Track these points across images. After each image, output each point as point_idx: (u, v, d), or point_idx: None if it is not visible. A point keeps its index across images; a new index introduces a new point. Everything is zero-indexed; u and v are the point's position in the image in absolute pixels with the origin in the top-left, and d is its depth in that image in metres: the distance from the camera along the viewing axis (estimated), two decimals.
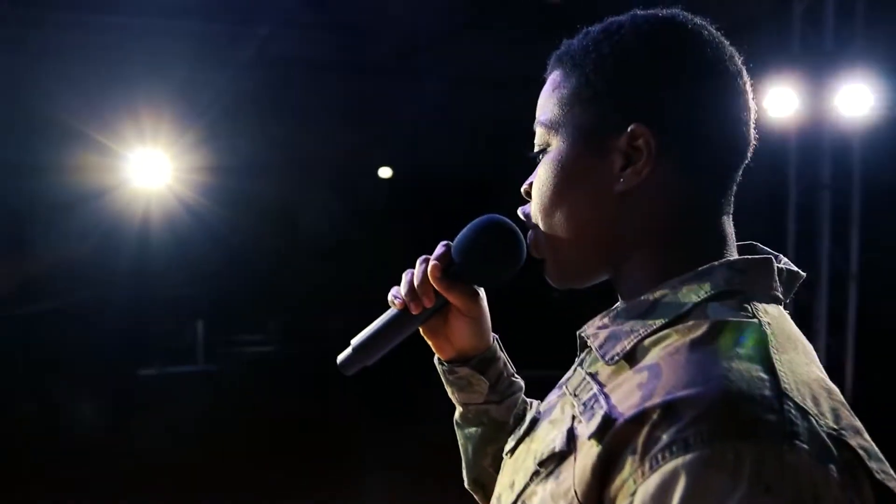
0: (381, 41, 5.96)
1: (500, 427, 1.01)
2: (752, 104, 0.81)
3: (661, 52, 0.79)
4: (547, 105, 0.84)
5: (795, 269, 0.81)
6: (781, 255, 0.82)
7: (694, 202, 0.78)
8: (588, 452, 0.69)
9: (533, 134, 0.87)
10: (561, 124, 0.82)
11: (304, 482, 4.84)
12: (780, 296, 0.78)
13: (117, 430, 5.91)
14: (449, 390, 1.06)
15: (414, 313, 0.97)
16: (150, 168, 6.74)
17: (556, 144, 0.83)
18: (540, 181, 0.84)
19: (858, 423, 0.68)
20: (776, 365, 0.68)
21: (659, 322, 0.75)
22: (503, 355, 1.07)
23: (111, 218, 6.90)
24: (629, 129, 0.77)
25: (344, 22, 5.71)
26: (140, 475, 4.95)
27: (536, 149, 0.86)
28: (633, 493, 0.64)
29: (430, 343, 1.04)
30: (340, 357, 0.98)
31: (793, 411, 0.64)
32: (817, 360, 0.75)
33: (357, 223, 8.24)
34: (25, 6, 5.62)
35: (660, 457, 0.63)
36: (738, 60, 0.81)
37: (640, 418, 0.66)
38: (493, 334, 1.05)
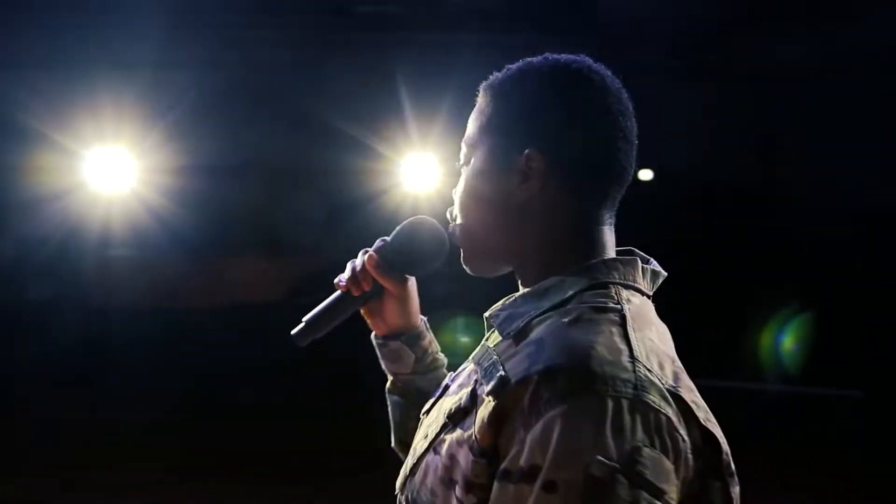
0: (643, 42, 5.90)
1: (425, 396, 1.15)
2: (632, 139, 1.00)
3: (556, 93, 0.97)
4: (471, 127, 1.04)
5: (659, 269, 1.01)
6: (652, 259, 1.02)
7: (578, 214, 0.97)
8: (486, 406, 0.88)
9: None
10: (479, 144, 1.02)
11: None
12: (644, 289, 0.97)
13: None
14: (382, 363, 1.28)
15: (355, 295, 1.18)
16: (419, 172, 7.10)
17: (474, 160, 1.02)
18: (460, 189, 1.04)
19: (692, 385, 0.89)
20: (631, 338, 0.87)
21: (546, 306, 0.93)
22: (430, 335, 1.28)
23: (384, 219, 7.39)
24: (525, 153, 0.96)
25: (604, 24, 5.72)
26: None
27: (461, 162, 1.05)
28: (524, 440, 0.82)
29: (368, 321, 1.25)
30: (294, 330, 1.18)
31: (642, 371, 0.84)
32: (669, 341, 0.95)
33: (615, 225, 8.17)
34: (313, 28, 6.18)
35: (542, 409, 0.82)
36: (624, 100, 1.00)
37: (526, 381, 0.85)
38: (421, 317, 1.26)
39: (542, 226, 0.98)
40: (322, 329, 1.18)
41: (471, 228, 1.04)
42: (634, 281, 0.96)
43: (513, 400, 0.85)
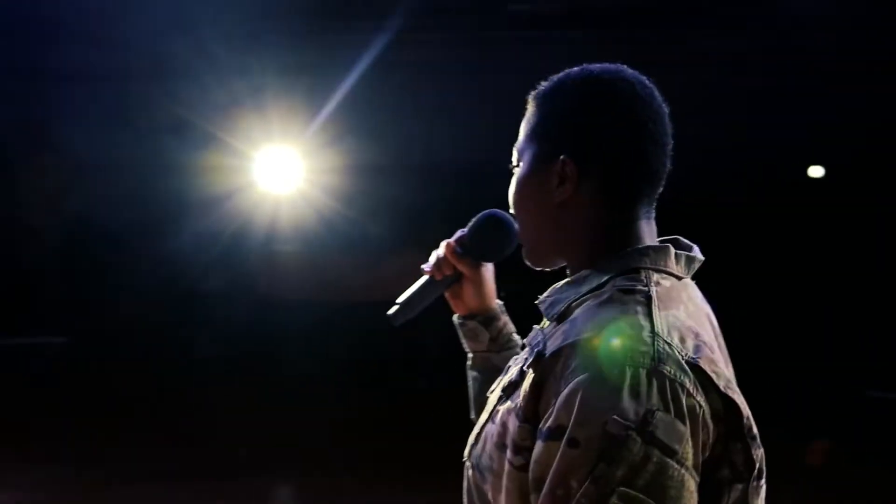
0: (815, 39, 5.60)
1: (499, 372, 1.25)
2: (662, 140, 1.08)
3: (585, 103, 1.08)
4: (521, 133, 1.15)
5: (695, 255, 1.09)
6: (694, 246, 1.11)
7: (612, 211, 1.07)
8: (528, 378, 0.99)
9: None
10: (525, 150, 1.13)
11: None
12: (676, 272, 1.06)
13: None
14: (463, 341, 1.42)
15: (438, 279, 1.33)
16: None
17: (521, 165, 1.13)
18: (512, 190, 1.15)
19: (716, 357, 0.99)
20: (654, 316, 0.96)
21: (584, 290, 1.04)
22: (505, 318, 1.41)
23: None
24: (560, 159, 1.06)
25: (774, 16, 5.47)
26: None
27: (513, 164, 1.15)
28: (554, 404, 0.93)
29: (450, 303, 1.39)
30: (389, 311, 1.33)
31: (661, 345, 0.94)
32: (701, 318, 1.05)
33: (784, 224, 7.84)
34: (470, 28, 6.23)
35: (570, 377, 0.93)
36: (655, 105, 1.08)
37: (557, 353, 0.96)
38: (497, 301, 1.40)
39: (580, 223, 1.08)
40: (414, 310, 1.33)
41: (523, 226, 1.16)
42: (666, 266, 1.05)
43: (548, 370, 0.97)
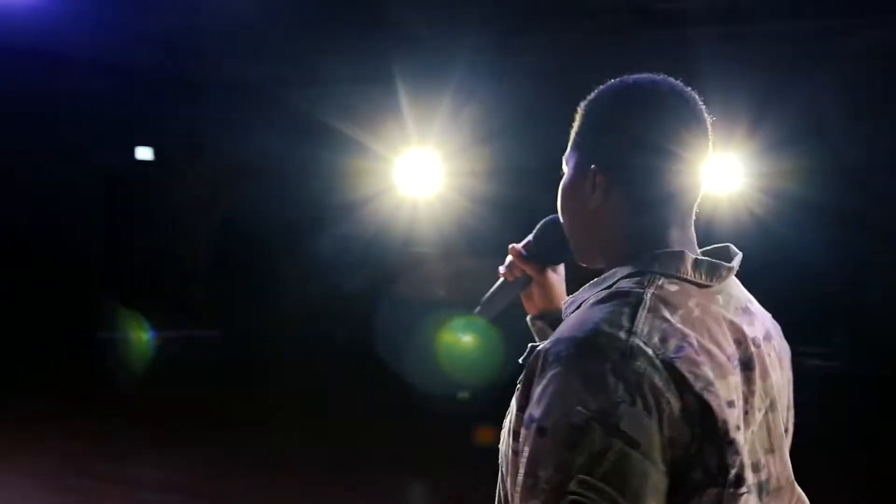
0: None
1: None
2: (693, 150, 1.10)
3: (615, 114, 1.12)
4: (569, 143, 1.20)
5: (720, 263, 1.10)
6: (736, 255, 1.14)
7: (638, 218, 1.11)
8: (524, 371, 1.06)
9: None
10: (569, 158, 1.18)
11: None
12: (691, 278, 1.07)
13: None
14: (536, 339, 1.44)
15: (510, 281, 1.42)
16: (719, 171, 6.81)
17: (566, 172, 1.19)
18: (558, 196, 1.21)
19: (701, 360, 0.99)
20: (638, 317, 1.00)
21: (595, 290, 1.09)
22: None
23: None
24: (592, 168, 1.12)
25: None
26: None
27: (562, 171, 1.21)
28: (532, 396, 1.00)
29: (524, 304, 1.47)
30: (475, 311, 1.42)
31: (635, 342, 0.97)
32: (708, 323, 1.04)
33: None
34: (614, 29, 6.15)
35: (547, 370, 0.98)
36: (685, 116, 1.10)
37: (541, 349, 1.02)
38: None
39: (610, 228, 1.13)
40: (494, 309, 1.43)
41: (567, 230, 1.21)
42: (678, 271, 1.07)
43: (534, 364, 1.02)
